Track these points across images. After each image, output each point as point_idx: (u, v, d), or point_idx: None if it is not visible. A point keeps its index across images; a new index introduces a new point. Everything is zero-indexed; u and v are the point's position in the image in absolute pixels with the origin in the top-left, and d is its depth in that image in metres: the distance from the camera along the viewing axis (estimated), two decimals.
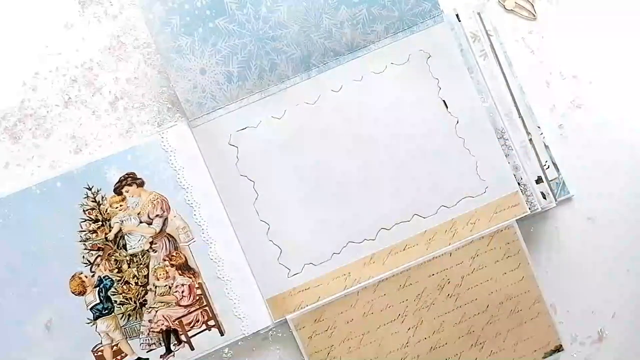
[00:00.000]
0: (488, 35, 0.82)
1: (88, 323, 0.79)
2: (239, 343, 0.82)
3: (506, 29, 0.84)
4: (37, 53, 0.84)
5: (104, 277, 0.79)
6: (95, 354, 0.78)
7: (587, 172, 0.84)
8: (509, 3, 0.84)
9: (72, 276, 0.79)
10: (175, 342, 0.80)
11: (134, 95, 0.84)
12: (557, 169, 0.83)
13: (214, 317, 0.81)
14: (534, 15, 0.84)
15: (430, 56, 0.80)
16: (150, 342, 0.80)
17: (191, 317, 0.81)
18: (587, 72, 0.84)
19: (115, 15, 0.85)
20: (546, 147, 0.83)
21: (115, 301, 0.79)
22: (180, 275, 0.81)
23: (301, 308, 0.80)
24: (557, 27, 0.85)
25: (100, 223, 0.80)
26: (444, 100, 0.80)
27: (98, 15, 0.85)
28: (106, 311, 0.79)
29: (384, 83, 0.80)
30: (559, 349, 0.81)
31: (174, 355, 0.80)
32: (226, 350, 0.82)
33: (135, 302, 0.80)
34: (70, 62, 0.84)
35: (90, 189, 0.80)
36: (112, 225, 0.80)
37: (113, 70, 0.84)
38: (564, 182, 0.83)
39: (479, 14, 0.82)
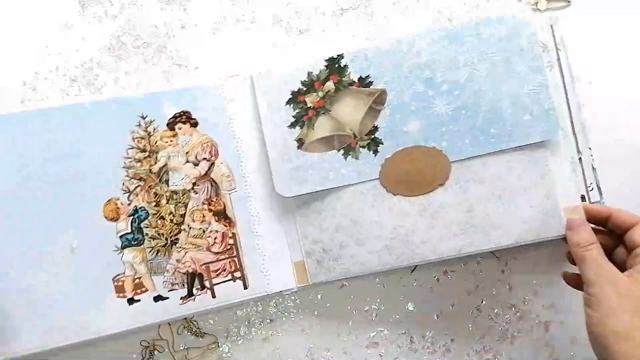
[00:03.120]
0: (557, 48, 0.82)
1: (115, 251, 0.77)
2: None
3: None
4: (37, 53, 0.84)
5: (140, 207, 0.79)
6: (116, 283, 0.77)
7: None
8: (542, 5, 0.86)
9: (108, 200, 0.77)
10: (199, 287, 0.79)
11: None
12: (600, 193, 0.83)
13: (241, 269, 0.80)
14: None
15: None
16: (173, 281, 0.79)
17: (219, 264, 0.80)
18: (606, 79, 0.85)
19: (115, 15, 0.85)
20: (594, 169, 0.83)
21: (147, 234, 0.78)
22: (216, 221, 0.80)
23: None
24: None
25: (147, 154, 0.79)
26: None
27: (98, 15, 0.85)
28: (135, 242, 0.78)
29: None
30: None
31: (194, 299, 0.79)
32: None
33: (166, 239, 0.79)
34: (70, 62, 0.84)
35: (144, 118, 0.79)
36: (158, 158, 0.79)
37: (113, 70, 0.84)
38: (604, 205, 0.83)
39: (551, 25, 0.82)
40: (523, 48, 0.77)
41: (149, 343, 0.82)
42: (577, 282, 0.78)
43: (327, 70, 0.80)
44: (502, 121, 0.77)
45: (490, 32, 0.77)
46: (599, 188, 0.83)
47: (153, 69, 0.84)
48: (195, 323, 0.83)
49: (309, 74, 0.80)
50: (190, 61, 0.85)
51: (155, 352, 0.82)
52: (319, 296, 0.85)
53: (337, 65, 0.79)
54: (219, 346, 0.83)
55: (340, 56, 0.79)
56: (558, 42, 0.82)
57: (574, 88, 0.82)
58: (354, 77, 0.79)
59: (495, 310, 0.85)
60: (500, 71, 0.77)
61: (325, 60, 0.80)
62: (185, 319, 0.83)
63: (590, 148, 0.83)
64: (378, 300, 0.85)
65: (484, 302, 0.85)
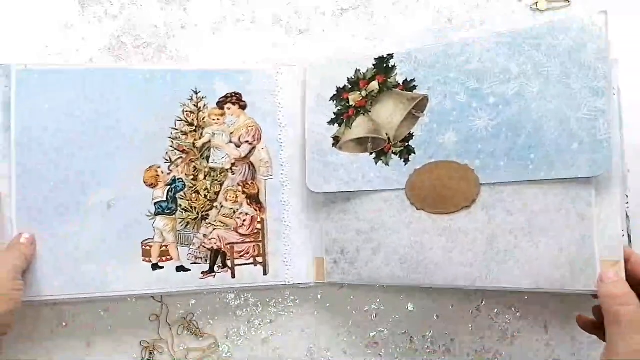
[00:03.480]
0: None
1: (148, 216, 0.80)
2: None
3: None
4: (37, 53, 0.85)
5: (178, 178, 0.81)
6: (144, 247, 0.80)
7: None
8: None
9: (150, 167, 0.80)
10: (220, 265, 0.81)
11: None
12: (630, 241, 0.77)
13: (264, 255, 0.82)
14: None
15: None
16: (198, 255, 0.81)
17: (243, 247, 0.81)
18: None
19: (115, 15, 0.86)
20: (627, 217, 0.78)
21: (180, 205, 0.81)
22: (247, 204, 0.82)
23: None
24: None
25: (193, 128, 0.81)
26: None
27: (98, 15, 0.86)
28: (168, 211, 0.81)
29: None
30: None
31: (214, 276, 0.81)
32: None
33: (197, 213, 0.81)
34: (70, 62, 0.85)
35: (197, 93, 0.81)
36: (203, 134, 0.82)
37: None
38: None
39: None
40: (585, 63, 0.67)
41: (149, 343, 0.83)
42: (594, 328, 0.72)
43: (375, 70, 0.79)
44: (544, 147, 0.68)
45: (552, 42, 0.69)
46: (629, 236, 0.78)
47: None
48: (195, 323, 0.84)
49: (357, 71, 0.79)
50: (190, 61, 0.86)
51: (155, 353, 0.83)
52: (319, 296, 0.85)
53: (385, 65, 0.78)
54: (219, 346, 0.84)
55: (390, 56, 0.78)
56: (614, 88, 0.74)
57: (622, 133, 0.75)
58: (400, 80, 0.77)
59: (495, 310, 0.84)
60: (553, 88, 0.68)
61: (375, 59, 0.79)
62: (185, 318, 0.84)
63: (627, 195, 0.78)
64: (378, 300, 0.85)
65: (484, 302, 0.84)
